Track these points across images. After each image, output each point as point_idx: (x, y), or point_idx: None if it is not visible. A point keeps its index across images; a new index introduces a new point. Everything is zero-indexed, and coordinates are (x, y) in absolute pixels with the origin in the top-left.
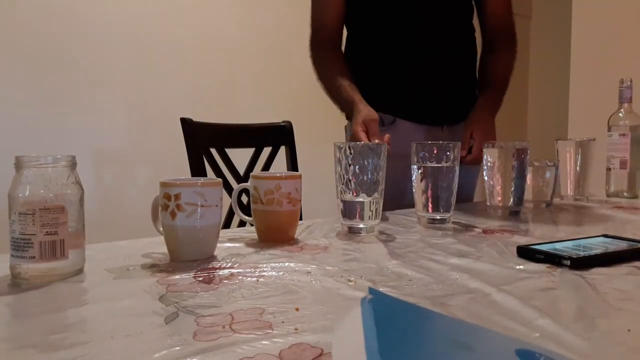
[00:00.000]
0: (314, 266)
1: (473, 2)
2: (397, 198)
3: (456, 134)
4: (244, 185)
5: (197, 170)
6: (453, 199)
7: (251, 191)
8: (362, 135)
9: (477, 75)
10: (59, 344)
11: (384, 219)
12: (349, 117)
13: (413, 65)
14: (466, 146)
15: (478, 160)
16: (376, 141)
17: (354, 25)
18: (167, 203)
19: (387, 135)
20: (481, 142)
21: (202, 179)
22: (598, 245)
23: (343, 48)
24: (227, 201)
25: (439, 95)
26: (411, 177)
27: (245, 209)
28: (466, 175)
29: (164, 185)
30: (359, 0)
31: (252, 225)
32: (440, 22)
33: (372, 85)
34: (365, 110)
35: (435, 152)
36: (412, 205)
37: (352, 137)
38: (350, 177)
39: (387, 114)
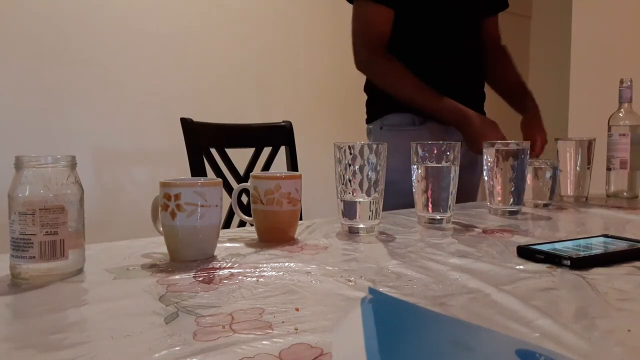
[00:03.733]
0: (314, 266)
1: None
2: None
3: None
4: (244, 185)
5: (197, 170)
6: (453, 199)
7: (251, 191)
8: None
9: (483, 83)
10: (59, 344)
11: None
12: (452, 124)
13: (441, 72)
14: (534, 145)
15: (541, 154)
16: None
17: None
18: (167, 203)
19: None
20: (543, 140)
21: (202, 179)
22: (598, 245)
23: None
24: (227, 201)
25: (461, 99)
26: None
27: (245, 209)
28: (472, 176)
29: (164, 185)
30: (403, 9)
31: (252, 225)
32: (463, 37)
33: None
34: (481, 119)
35: (435, 152)
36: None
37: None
38: (350, 177)
39: (419, 116)
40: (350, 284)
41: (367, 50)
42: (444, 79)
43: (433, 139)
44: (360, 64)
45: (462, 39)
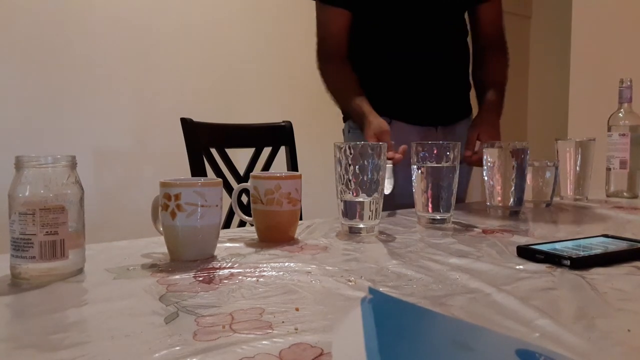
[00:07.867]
0: (314, 266)
1: (466, 11)
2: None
3: (449, 134)
4: (244, 185)
5: (197, 170)
6: (453, 199)
7: (251, 191)
8: None
9: (469, 79)
10: (59, 344)
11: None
12: (361, 128)
13: (409, 70)
14: (472, 147)
15: (476, 161)
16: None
17: (353, 33)
18: (167, 203)
19: (402, 147)
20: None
21: (202, 179)
22: (598, 245)
23: None
24: (227, 201)
25: (433, 98)
26: (409, 176)
27: (245, 209)
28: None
29: (164, 185)
30: (360, 10)
31: (252, 225)
32: (435, 28)
33: (370, 88)
34: (375, 123)
35: (435, 152)
36: (407, 204)
37: None
38: (350, 177)
39: (384, 116)
40: (350, 284)
41: (321, 58)
42: (416, 70)
43: (401, 140)
44: (319, 69)
45: (434, 30)
